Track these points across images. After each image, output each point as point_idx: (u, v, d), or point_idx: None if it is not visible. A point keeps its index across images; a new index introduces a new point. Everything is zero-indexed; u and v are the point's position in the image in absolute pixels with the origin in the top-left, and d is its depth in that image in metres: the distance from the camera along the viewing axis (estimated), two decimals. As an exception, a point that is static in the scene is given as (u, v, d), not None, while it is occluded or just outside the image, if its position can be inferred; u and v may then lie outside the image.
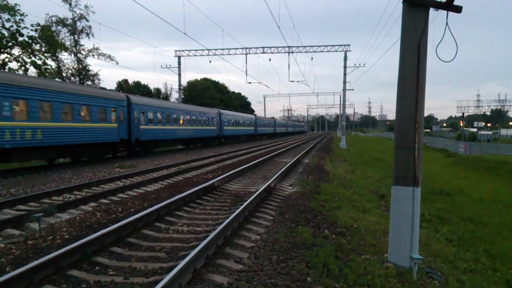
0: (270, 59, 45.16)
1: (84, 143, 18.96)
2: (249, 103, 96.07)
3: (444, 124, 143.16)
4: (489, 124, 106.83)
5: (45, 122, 16.33)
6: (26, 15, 26.87)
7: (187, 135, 32.59)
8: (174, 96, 60.37)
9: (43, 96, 16.33)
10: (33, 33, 28.25)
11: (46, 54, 30.24)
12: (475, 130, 71.06)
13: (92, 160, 20.45)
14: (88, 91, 20.04)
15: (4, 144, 14.31)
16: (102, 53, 38.77)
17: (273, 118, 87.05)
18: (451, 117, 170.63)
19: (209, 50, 40.05)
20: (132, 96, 24.90)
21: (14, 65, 28.08)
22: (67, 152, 18.83)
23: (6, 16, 26.30)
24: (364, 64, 49.70)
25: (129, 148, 23.98)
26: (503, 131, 73.78)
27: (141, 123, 24.23)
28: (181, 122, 31.08)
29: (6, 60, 27.69)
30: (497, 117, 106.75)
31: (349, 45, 42.12)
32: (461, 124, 66.68)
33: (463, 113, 69.66)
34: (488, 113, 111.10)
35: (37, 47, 29.13)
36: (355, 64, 46.56)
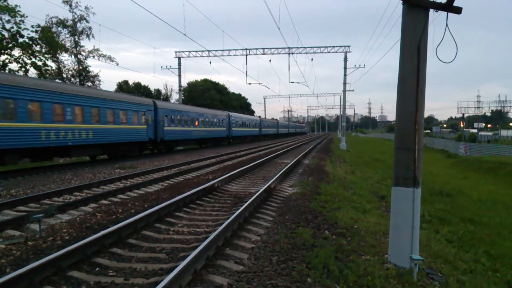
0: (270, 60, 45.27)
1: (121, 141, 22.62)
2: (249, 104, 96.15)
3: (445, 125, 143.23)
4: (489, 125, 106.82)
5: (95, 124, 20.06)
6: (27, 16, 26.96)
7: (201, 135, 36.05)
8: (174, 97, 60.50)
9: (94, 103, 20.07)
10: (33, 34, 28.37)
11: (46, 55, 30.30)
12: (475, 131, 70.99)
13: (126, 156, 23.93)
14: (124, 98, 23.80)
15: (67, 142, 18.14)
16: (102, 54, 38.90)
17: (276, 119, 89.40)
18: (451, 118, 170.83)
19: (209, 51, 40.08)
20: (158, 101, 28.69)
21: (14, 66, 28.16)
22: (108, 150, 22.39)
23: (6, 17, 26.38)
24: (364, 65, 49.90)
25: (155, 146, 27.81)
26: (504, 132, 73.76)
27: (164, 124, 27.65)
28: (196, 123, 34.36)
29: (7, 61, 27.74)
30: (497, 118, 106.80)
31: (349, 46, 42.12)
32: (461, 125, 66.76)
33: (463, 114, 69.71)
34: (489, 114, 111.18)
35: (38, 48, 29.20)
36: (355, 65, 46.62)
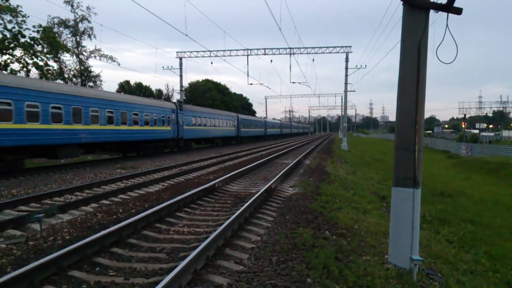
0: (271, 61, 45.62)
1: (227, 136, 43.86)
2: (250, 105, 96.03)
3: (446, 126, 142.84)
4: (491, 126, 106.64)
5: (219, 127, 40.41)
6: (28, 17, 27.00)
7: (253, 134, 57.13)
8: (176, 97, 60.55)
9: (219, 117, 40.55)
10: (35, 35, 28.38)
11: (48, 56, 30.34)
12: (477, 131, 70.98)
13: (224, 145, 43.48)
14: (229, 114, 46.29)
15: (212, 136, 38.84)
16: (103, 54, 38.97)
17: (290, 122, 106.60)
18: (453, 118, 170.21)
19: (210, 51, 40.09)
20: (239, 114, 50.65)
21: (16, 66, 28.22)
22: (220, 141, 42.90)
23: (8, 17, 26.42)
24: (365, 65, 49.64)
25: (237, 140, 48.73)
26: (505, 133, 73.70)
27: (241, 127, 48.72)
28: (250, 126, 54.83)
29: (8, 61, 27.79)
30: (499, 119, 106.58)
31: (350, 46, 42.06)
32: (463, 126, 66.64)
33: (464, 115, 69.64)
34: (490, 115, 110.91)
35: (39, 48, 29.23)
36: (356, 66, 46.48)
